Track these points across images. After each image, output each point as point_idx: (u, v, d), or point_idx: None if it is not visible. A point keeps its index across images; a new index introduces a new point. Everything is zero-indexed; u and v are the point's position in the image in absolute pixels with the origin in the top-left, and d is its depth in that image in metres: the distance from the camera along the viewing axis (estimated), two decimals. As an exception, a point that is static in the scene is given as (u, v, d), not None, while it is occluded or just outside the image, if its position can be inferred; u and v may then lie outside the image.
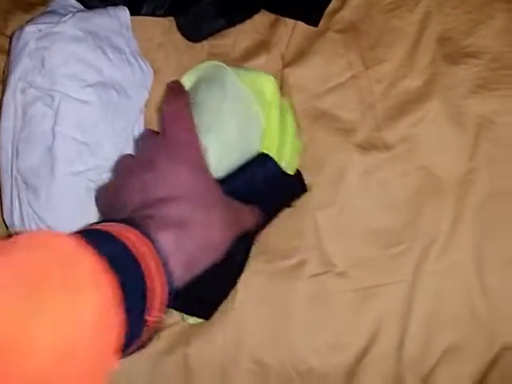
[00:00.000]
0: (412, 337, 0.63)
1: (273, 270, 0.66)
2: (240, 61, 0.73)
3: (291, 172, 0.61)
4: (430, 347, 0.63)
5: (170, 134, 0.53)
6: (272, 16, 0.74)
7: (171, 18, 0.74)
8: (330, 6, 0.74)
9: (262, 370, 0.64)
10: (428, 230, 0.65)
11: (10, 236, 0.62)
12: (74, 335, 0.31)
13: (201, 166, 0.52)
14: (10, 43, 0.68)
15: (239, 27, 0.74)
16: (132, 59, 0.70)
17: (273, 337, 0.65)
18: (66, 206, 0.64)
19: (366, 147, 0.68)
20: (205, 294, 0.60)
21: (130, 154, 0.56)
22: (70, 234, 0.38)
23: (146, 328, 0.41)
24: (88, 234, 0.40)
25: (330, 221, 0.67)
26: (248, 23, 0.74)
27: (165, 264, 0.43)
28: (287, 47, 0.73)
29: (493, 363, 0.62)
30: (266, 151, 0.57)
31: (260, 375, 0.64)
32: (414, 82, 0.70)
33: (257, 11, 0.74)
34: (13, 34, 0.67)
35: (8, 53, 0.68)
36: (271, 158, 0.57)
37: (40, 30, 0.65)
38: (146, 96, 0.70)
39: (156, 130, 0.61)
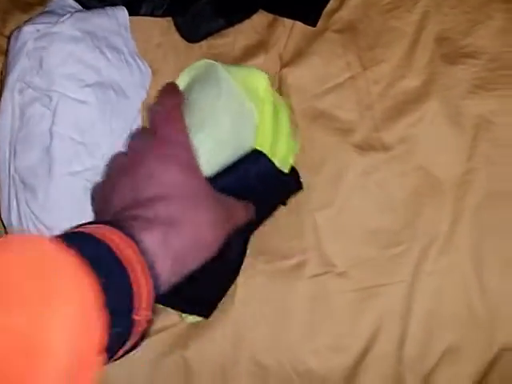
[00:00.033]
0: (412, 337, 0.64)
1: (272, 271, 0.66)
2: (238, 61, 0.72)
3: (286, 170, 0.61)
4: (430, 347, 0.63)
5: (161, 134, 0.53)
6: (270, 16, 0.74)
7: (169, 19, 0.74)
8: (328, 6, 0.74)
9: (261, 370, 0.64)
10: (427, 231, 0.65)
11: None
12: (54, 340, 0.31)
13: (191, 165, 0.51)
14: (8, 43, 0.67)
15: (237, 27, 0.74)
16: (130, 59, 0.69)
17: (273, 337, 0.65)
18: (64, 206, 0.63)
19: (364, 148, 0.68)
20: (201, 293, 0.60)
21: (123, 152, 0.56)
22: (51, 237, 0.38)
23: (135, 327, 0.41)
24: (70, 237, 0.40)
25: (329, 221, 0.67)
26: (246, 23, 0.74)
27: (150, 264, 0.42)
28: (285, 47, 0.73)
29: (492, 364, 0.62)
30: (259, 147, 0.57)
31: (260, 376, 0.64)
32: (412, 83, 0.70)
33: (255, 11, 0.74)
34: (11, 34, 0.67)
35: (6, 53, 0.68)
36: (264, 155, 0.57)
37: (38, 30, 0.65)
38: (145, 96, 0.70)
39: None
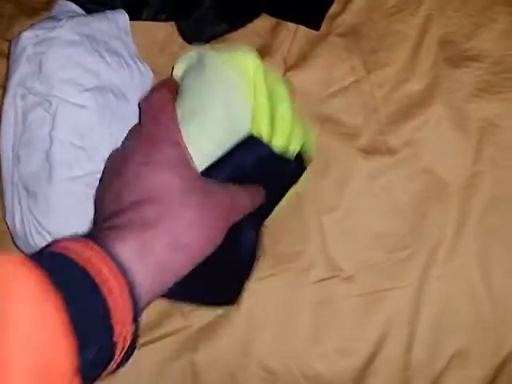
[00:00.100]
0: (420, 341, 0.64)
1: (279, 275, 0.66)
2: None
3: (293, 151, 0.58)
4: (438, 351, 0.63)
5: (149, 131, 0.51)
6: (273, 20, 0.74)
7: (173, 23, 0.73)
8: (332, 10, 0.73)
9: (269, 375, 0.64)
10: (433, 234, 0.66)
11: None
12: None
13: (179, 161, 0.49)
14: (9, 49, 0.67)
15: (241, 31, 0.73)
16: (131, 62, 0.69)
17: (280, 342, 0.65)
18: (65, 211, 0.63)
19: (369, 151, 0.68)
20: (217, 284, 0.58)
21: (117, 150, 0.54)
22: (20, 258, 0.35)
23: (117, 345, 0.38)
24: (40, 257, 0.38)
25: (335, 225, 0.67)
26: (249, 27, 0.74)
27: (128, 277, 0.40)
28: (289, 51, 0.73)
29: (501, 367, 0.62)
30: (256, 132, 0.54)
31: (268, 381, 0.64)
32: (416, 86, 0.70)
33: (258, 15, 0.74)
34: (11, 40, 0.67)
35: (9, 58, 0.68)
36: (260, 140, 0.54)
37: (37, 36, 0.64)
38: (145, 99, 0.70)
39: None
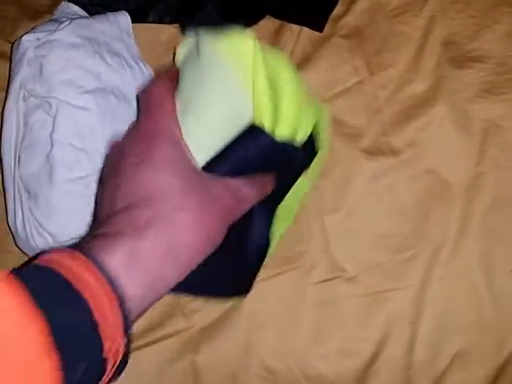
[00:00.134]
0: (422, 341, 0.64)
1: (281, 276, 0.66)
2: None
3: (302, 136, 0.54)
4: (440, 351, 0.63)
5: (145, 126, 0.48)
6: (277, 22, 0.74)
7: (177, 25, 0.74)
8: (335, 12, 0.74)
9: (271, 375, 0.64)
10: (436, 235, 0.66)
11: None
12: None
13: (176, 159, 0.46)
14: (11, 53, 0.68)
15: (244, 33, 0.74)
16: (132, 63, 0.69)
17: (282, 342, 0.65)
18: (66, 213, 0.63)
19: (372, 152, 0.68)
20: (231, 274, 0.56)
21: (118, 145, 0.50)
22: (3, 274, 0.34)
23: (107, 359, 0.37)
24: (23, 273, 0.36)
25: (338, 226, 0.67)
26: (253, 29, 0.74)
27: (116, 290, 0.38)
28: (293, 53, 0.73)
29: (502, 368, 0.62)
30: (258, 121, 0.50)
31: (269, 381, 0.64)
32: (419, 87, 0.70)
33: (262, 17, 0.74)
34: (13, 43, 0.68)
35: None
36: (263, 130, 0.50)
37: (38, 39, 0.65)
38: (147, 99, 0.70)
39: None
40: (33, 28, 0.67)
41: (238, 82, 0.50)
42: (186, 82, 0.52)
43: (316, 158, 0.59)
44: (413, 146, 0.68)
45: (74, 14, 0.71)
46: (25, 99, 0.65)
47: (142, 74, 0.70)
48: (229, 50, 0.51)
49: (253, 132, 0.50)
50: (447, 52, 0.70)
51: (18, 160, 0.65)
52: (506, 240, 0.65)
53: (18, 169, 0.65)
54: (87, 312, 0.35)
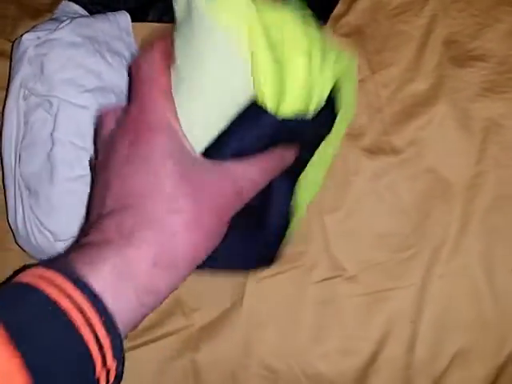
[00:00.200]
0: (422, 340, 0.64)
1: (282, 275, 0.66)
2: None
3: (319, 99, 0.48)
4: (440, 351, 0.63)
5: (134, 113, 0.43)
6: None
7: (177, 24, 0.74)
8: (336, 11, 0.73)
9: (271, 374, 0.64)
10: (437, 234, 0.65)
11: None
12: None
13: (169, 151, 0.41)
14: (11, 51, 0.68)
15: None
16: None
17: (282, 341, 0.65)
18: (67, 211, 0.63)
19: (373, 151, 0.68)
20: (256, 246, 0.53)
21: (109, 135, 0.45)
22: None
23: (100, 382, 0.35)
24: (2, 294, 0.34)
25: (338, 225, 0.67)
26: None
27: (103, 314, 0.35)
28: (293, 52, 0.73)
29: (503, 367, 0.62)
30: (259, 94, 0.44)
31: (269, 380, 0.64)
32: (420, 86, 0.70)
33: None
34: (13, 42, 0.68)
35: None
36: (264, 110, 0.45)
37: (39, 38, 0.65)
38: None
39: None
40: (33, 27, 0.68)
41: (231, 48, 0.43)
42: (178, 51, 0.45)
43: (339, 119, 0.53)
44: (414, 144, 0.68)
45: (74, 13, 0.71)
46: (25, 98, 0.65)
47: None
48: (221, 9, 0.43)
49: (254, 112, 0.45)
50: (448, 51, 0.70)
51: (19, 159, 0.65)
52: (506, 239, 0.65)
53: (19, 167, 0.65)
54: (75, 336, 0.33)
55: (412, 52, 0.71)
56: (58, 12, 0.72)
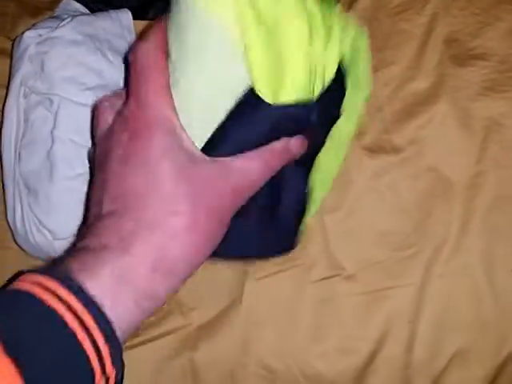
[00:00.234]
0: (421, 340, 0.63)
1: (281, 274, 0.66)
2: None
3: (324, 81, 0.45)
4: (439, 350, 0.63)
5: (130, 108, 0.42)
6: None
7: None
8: (337, 9, 0.73)
9: (269, 374, 0.64)
10: (437, 233, 0.65)
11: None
12: None
13: (166, 150, 0.40)
14: (12, 49, 0.68)
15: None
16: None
17: (281, 340, 0.65)
18: (66, 209, 0.63)
19: (374, 150, 0.68)
20: (275, 232, 0.53)
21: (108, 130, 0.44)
22: None
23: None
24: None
25: (338, 224, 0.67)
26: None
27: (100, 314, 0.34)
28: (294, 51, 0.73)
29: (502, 367, 0.62)
30: (257, 83, 0.42)
31: (268, 379, 0.64)
32: (421, 84, 0.69)
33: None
34: (14, 39, 0.68)
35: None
36: (262, 100, 0.42)
37: (40, 35, 0.65)
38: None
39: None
40: (33, 25, 0.68)
41: (223, 35, 0.41)
42: (172, 45, 0.43)
43: (352, 95, 0.51)
44: (414, 143, 0.68)
45: (75, 11, 0.71)
46: (25, 96, 0.65)
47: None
48: None
49: (251, 103, 0.43)
50: (449, 49, 0.70)
51: (19, 157, 0.65)
52: (507, 238, 0.64)
53: (18, 165, 0.65)
54: (75, 343, 0.33)
55: (413, 50, 0.70)
56: (59, 10, 0.72)
